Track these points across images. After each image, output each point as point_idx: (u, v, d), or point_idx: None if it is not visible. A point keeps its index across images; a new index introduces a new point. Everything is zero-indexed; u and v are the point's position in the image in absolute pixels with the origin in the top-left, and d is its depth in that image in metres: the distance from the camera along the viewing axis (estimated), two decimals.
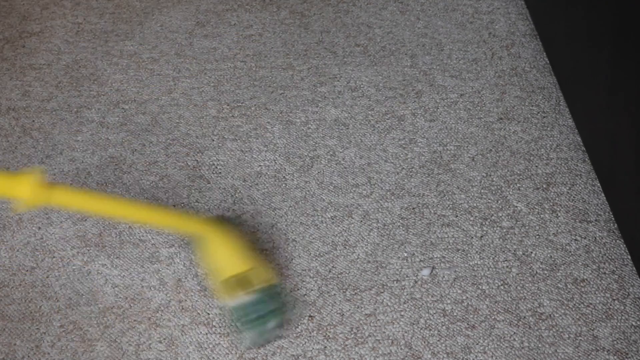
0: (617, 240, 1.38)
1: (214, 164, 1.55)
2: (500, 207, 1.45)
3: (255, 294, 1.23)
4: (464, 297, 1.31)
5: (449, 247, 1.38)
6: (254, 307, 1.23)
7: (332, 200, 1.47)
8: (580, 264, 1.35)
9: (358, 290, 1.33)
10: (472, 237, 1.40)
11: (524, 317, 1.28)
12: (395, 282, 1.34)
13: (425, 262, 1.36)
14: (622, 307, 1.28)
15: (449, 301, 1.31)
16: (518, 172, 1.51)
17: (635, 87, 1.24)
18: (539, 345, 1.24)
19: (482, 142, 1.57)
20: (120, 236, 1.43)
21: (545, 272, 1.34)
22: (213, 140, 1.61)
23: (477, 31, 1.84)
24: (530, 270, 1.34)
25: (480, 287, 1.32)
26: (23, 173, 1.05)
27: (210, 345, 1.26)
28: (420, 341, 1.25)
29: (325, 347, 1.25)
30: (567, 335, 1.25)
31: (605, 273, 1.33)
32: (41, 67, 1.80)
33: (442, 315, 1.29)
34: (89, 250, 1.41)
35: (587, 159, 1.52)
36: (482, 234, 1.40)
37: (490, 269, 1.35)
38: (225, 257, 1.26)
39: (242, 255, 1.26)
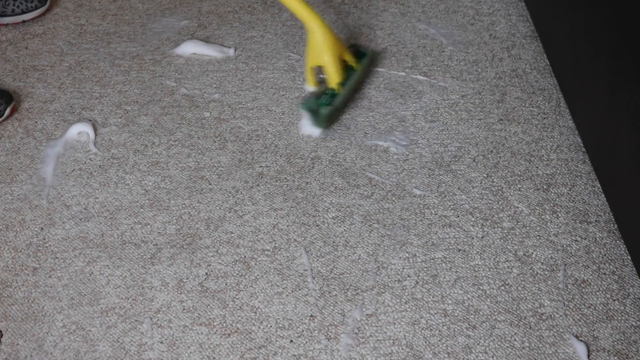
0: (617, 241, 1.38)
1: (215, 165, 1.56)
2: (501, 207, 1.45)
3: (317, 88, 1.63)
4: (465, 298, 1.31)
5: (450, 247, 1.39)
6: (314, 98, 1.61)
7: (333, 201, 1.48)
8: (581, 264, 1.35)
9: (359, 290, 1.33)
10: (473, 238, 1.40)
11: (525, 318, 1.28)
12: (396, 283, 1.34)
13: (427, 262, 1.37)
14: (622, 308, 1.29)
15: (450, 301, 1.31)
16: (519, 173, 1.51)
17: (635, 88, 1.24)
18: (540, 346, 1.24)
19: (482, 143, 1.58)
20: (122, 237, 1.43)
21: (546, 272, 1.34)
22: (215, 141, 1.61)
23: (478, 33, 1.84)
24: (530, 271, 1.34)
25: (481, 287, 1.33)
26: None
27: (212, 346, 1.27)
28: (421, 341, 1.26)
29: (327, 347, 1.26)
30: (567, 336, 1.25)
31: (605, 273, 1.34)
32: (44, 68, 1.81)
33: (443, 315, 1.29)
34: (90, 251, 1.41)
35: (587, 160, 1.52)
36: (483, 234, 1.41)
37: (491, 269, 1.35)
38: (318, 49, 1.59)
39: (328, 55, 1.59)
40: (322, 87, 1.62)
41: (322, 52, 1.59)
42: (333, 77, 1.60)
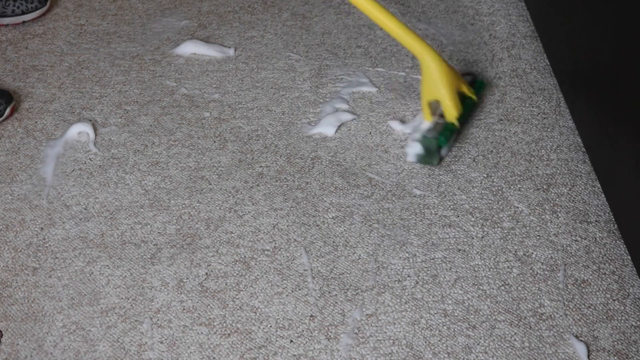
0: (617, 241, 1.38)
1: (215, 165, 1.56)
2: (501, 207, 1.45)
3: (434, 122, 1.55)
4: (465, 298, 1.31)
5: (450, 247, 1.39)
6: (429, 131, 1.54)
7: (333, 201, 1.48)
8: (581, 264, 1.35)
9: (359, 290, 1.33)
10: (473, 238, 1.40)
11: (525, 318, 1.28)
12: (396, 283, 1.34)
13: (427, 262, 1.37)
14: (622, 308, 1.29)
15: (450, 301, 1.31)
16: (519, 173, 1.51)
17: (635, 87, 1.24)
18: (540, 346, 1.24)
19: (482, 143, 1.58)
20: (122, 237, 1.43)
21: (546, 272, 1.34)
22: (215, 141, 1.61)
23: (478, 33, 1.84)
24: (530, 271, 1.34)
25: (481, 287, 1.33)
26: None
27: (212, 346, 1.27)
28: (421, 341, 1.26)
29: (327, 347, 1.26)
30: (567, 336, 1.25)
31: (605, 273, 1.34)
32: (44, 68, 1.81)
33: (443, 315, 1.29)
34: (90, 251, 1.41)
35: (587, 160, 1.52)
36: (483, 234, 1.41)
37: (491, 269, 1.35)
38: (433, 82, 1.54)
39: (445, 88, 1.54)
40: (441, 122, 1.54)
41: (439, 86, 1.53)
42: (451, 112, 1.54)
